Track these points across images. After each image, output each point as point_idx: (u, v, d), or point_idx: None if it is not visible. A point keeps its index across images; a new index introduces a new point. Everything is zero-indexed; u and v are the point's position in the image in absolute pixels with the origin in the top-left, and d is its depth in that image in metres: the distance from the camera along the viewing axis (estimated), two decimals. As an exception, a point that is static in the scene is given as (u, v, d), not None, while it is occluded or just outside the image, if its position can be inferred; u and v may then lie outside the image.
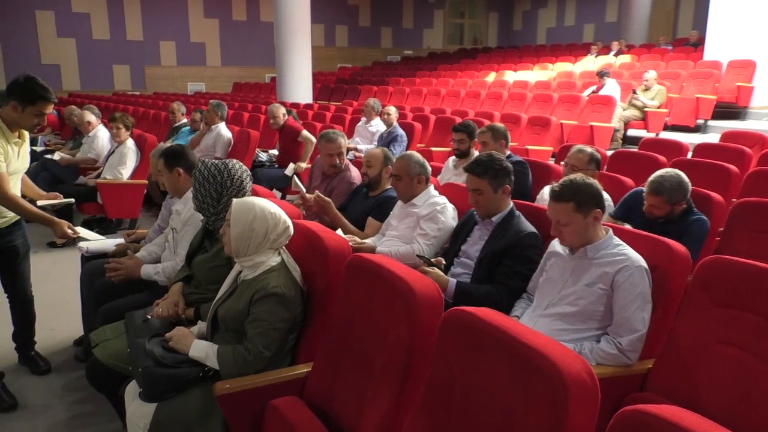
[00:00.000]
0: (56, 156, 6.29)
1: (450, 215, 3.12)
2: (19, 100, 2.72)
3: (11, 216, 2.93)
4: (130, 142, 5.53)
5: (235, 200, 2.13)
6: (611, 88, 8.52)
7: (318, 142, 4.18)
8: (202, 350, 2.03)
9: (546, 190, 3.50)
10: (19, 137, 2.86)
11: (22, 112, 2.75)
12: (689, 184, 2.85)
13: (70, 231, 2.96)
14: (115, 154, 5.53)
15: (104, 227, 5.72)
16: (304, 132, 6.23)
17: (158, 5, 17.17)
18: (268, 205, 2.10)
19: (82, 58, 16.48)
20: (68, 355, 3.38)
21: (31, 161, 6.88)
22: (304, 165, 6.16)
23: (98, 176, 5.62)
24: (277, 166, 6.54)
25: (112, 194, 5.44)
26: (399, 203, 3.28)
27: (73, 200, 3.32)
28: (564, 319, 2.17)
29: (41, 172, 6.07)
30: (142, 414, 1.99)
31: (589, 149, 3.39)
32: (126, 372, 2.26)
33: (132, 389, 2.15)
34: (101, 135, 6.24)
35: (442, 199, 3.16)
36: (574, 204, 2.14)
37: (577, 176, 2.22)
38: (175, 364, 2.02)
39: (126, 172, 5.47)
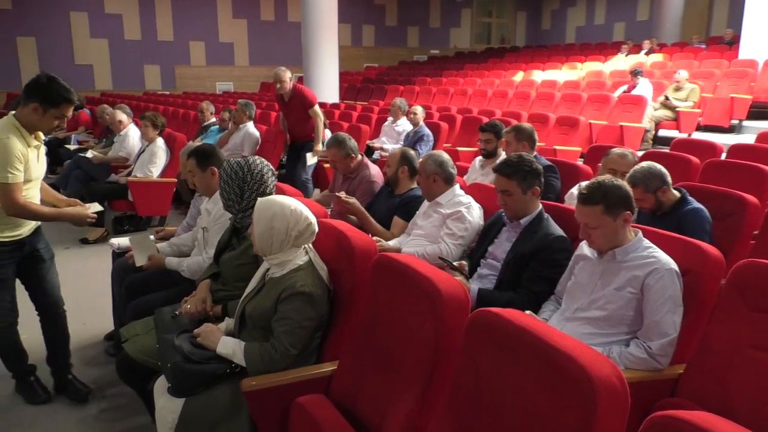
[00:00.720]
0: (89, 154, 6.43)
1: (476, 214, 3.10)
2: (40, 101, 2.52)
3: (32, 224, 2.78)
4: (160, 141, 5.62)
5: (258, 199, 2.15)
6: (644, 87, 8.37)
7: None
8: (230, 347, 2.06)
9: (576, 190, 3.45)
10: (35, 139, 2.67)
11: (44, 114, 2.55)
12: (663, 170, 2.90)
13: (88, 212, 2.82)
14: (146, 152, 5.63)
15: (134, 224, 5.83)
16: (316, 107, 5.92)
17: (188, 6, 17.41)
18: (288, 203, 2.11)
19: (114, 59, 16.80)
20: (99, 350, 3.44)
21: (64, 159, 7.10)
22: (321, 148, 5.82)
23: (129, 174, 5.73)
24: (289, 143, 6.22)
25: (142, 192, 5.54)
26: (425, 202, 3.28)
27: (101, 207, 3.18)
28: (592, 323, 2.14)
29: (74, 169, 6.21)
30: (170, 409, 2.02)
31: (627, 151, 3.34)
32: (155, 367, 2.30)
33: (161, 384, 2.18)
34: (132, 134, 6.35)
35: (467, 199, 3.15)
36: (603, 206, 2.10)
37: (606, 178, 2.19)
38: (203, 360, 2.04)
39: (156, 171, 5.56)
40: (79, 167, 6.22)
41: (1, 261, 2.69)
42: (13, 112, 2.59)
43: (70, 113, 2.64)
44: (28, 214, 2.64)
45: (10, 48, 15.54)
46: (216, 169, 2.98)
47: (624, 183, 2.18)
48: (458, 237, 3.03)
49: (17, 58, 15.65)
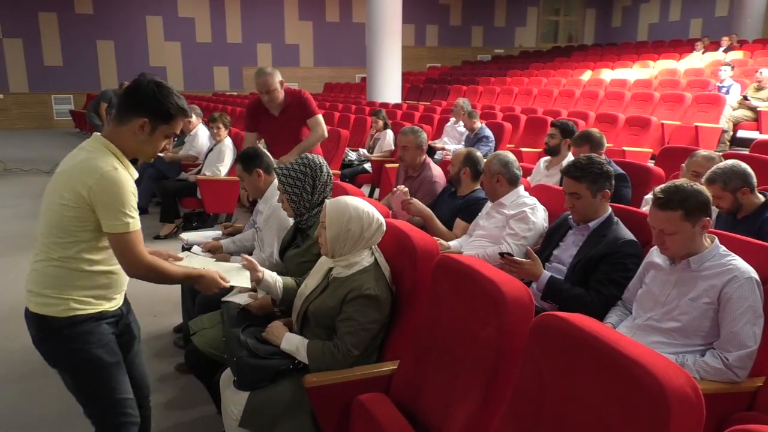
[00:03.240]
0: (160, 153, 6.68)
1: (541, 216, 3.04)
2: (151, 116, 1.84)
3: (124, 290, 2.03)
4: (228, 141, 5.79)
5: (328, 202, 2.18)
6: (733, 86, 8.15)
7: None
8: (294, 344, 2.09)
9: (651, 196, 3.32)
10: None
11: (151, 133, 1.87)
12: (747, 170, 2.73)
13: (222, 281, 2.08)
14: (214, 151, 5.80)
15: (202, 221, 6.02)
16: (320, 117, 4.23)
17: (256, 9, 17.91)
18: (361, 205, 2.14)
19: (186, 61, 17.49)
20: (168, 341, 3.58)
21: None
22: None
23: (198, 172, 5.93)
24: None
25: (210, 190, 5.72)
26: (488, 203, 3.24)
27: (247, 283, 2.30)
28: (665, 333, 2.05)
29: (148, 168, 6.48)
30: (235, 401, 2.08)
31: (715, 154, 3.19)
32: (222, 360, 2.36)
33: (227, 377, 2.24)
34: (201, 134, 6.56)
35: (532, 200, 3.09)
36: (682, 212, 2.00)
37: (683, 182, 2.09)
38: (267, 356, 2.08)
39: (223, 169, 5.72)
40: (152, 165, 6.49)
41: (108, 340, 1.94)
42: (98, 134, 1.92)
43: (179, 129, 1.98)
44: (158, 275, 1.91)
45: (90, 51, 16.45)
46: (260, 171, 3.07)
47: (704, 188, 2.07)
48: (521, 237, 2.97)
49: (97, 60, 16.54)
